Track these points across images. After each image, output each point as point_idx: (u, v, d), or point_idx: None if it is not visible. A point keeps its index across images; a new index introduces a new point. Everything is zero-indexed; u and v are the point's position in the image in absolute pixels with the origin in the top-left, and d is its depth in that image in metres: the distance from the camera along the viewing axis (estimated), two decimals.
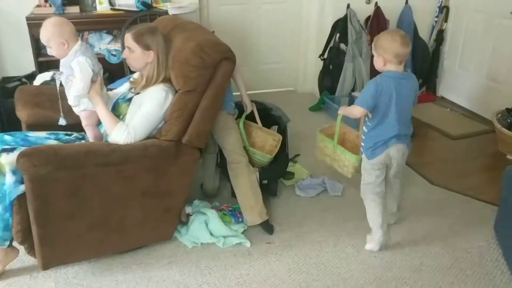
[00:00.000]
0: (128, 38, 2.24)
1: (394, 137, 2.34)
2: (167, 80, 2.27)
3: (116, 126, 2.17)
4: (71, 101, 2.25)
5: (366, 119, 2.40)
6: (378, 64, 2.31)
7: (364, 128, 2.43)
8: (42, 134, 2.39)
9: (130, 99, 2.36)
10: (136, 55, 2.24)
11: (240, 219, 2.61)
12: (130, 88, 2.43)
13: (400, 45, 2.22)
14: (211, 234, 2.51)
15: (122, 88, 2.54)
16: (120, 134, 2.15)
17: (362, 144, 2.43)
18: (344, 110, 2.47)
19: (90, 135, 2.37)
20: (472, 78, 4.45)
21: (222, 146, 2.59)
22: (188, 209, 2.63)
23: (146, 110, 2.20)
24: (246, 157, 2.58)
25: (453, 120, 4.29)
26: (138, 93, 2.32)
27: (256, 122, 2.83)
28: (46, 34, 2.17)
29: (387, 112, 2.30)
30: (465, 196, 2.99)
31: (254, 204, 2.55)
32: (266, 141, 2.78)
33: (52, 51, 2.21)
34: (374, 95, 2.25)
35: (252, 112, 2.79)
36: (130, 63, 2.30)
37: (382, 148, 2.35)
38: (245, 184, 2.56)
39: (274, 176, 2.84)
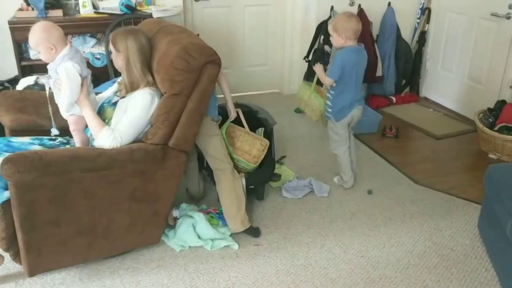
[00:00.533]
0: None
1: (356, 100, 2.89)
2: (151, 84, 2.27)
3: (102, 130, 2.16)
4: (63, 109, 2.24)
5: (329, 88, 2.91)
6: (339, 42, 2.78)
7: (328, 95, 2.94)
8: (26, 139, 2.36)
9: (115, 103, 2.35)
10: (113, 56, 2.31)
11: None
12: (115, 92, 2.42)
13: (356, 23, 2.73)
14: (199, 237, 2.50)
15: (107, 92, 2.53)
16: (106, 138, 2.14)
17: (329, 110, 2.94)
18: (319, 71, 2.93)
19: (77, 140, 2.36)
20: (454, 78, 4.52)
21: (204, 151, 2.56)
22: (175, 213, 2.63)
23: (132, 114, 2.20)
24: (230, 163, 2.57)
25: (436, 120, 4.35)
26: (123, 97, 2.31)
27: (243, 127, 2.83)
28: (35, 38, 2.15)
29: (349, 80, 2.81)
30: (449, 195, 3.04)
31: (236, 212, 2.54)
32: (253, 145, 2.76)
33: (40, 55, 2.20)
34: (341, 67, 2.75)
35: (238, 116, 2.79)
36: (114, 63, 2.37)
37: (348, 111, 2.89)
38: (229, 191, 2.55)
39: (260, 181, 2.85)
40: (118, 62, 2.29)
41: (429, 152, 3.73)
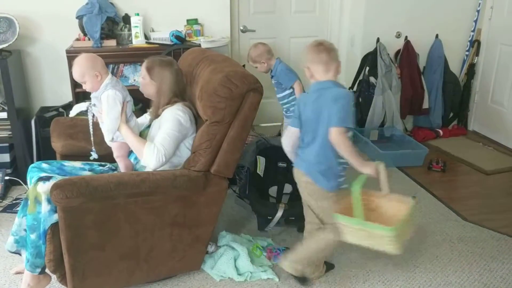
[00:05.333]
0: (143, 66, 2.38)
1: None
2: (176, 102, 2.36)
3: (144, 148, 2.22)
4: (106, 137, 2.33)
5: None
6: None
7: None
8: (77, 164, 2.46)
9: (149, 126, 2.46)
10: (145, 83, 2.38)
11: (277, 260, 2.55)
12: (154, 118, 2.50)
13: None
14: (238, 273, 2.46)
15: (142, 118, 2.65)
16: (150, 154, 2.20)
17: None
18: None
19: (121, 165, 2.44)
20: (505, 112, 4.37)
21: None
22: (210, 249, 2.61)
23: (166, 127, 2.26)
24: (330, 233, 2.19)
25: (486, 154, 4.20)
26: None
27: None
28: (80, 69, 2.26)
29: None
30: (501, 233, 2.90)
31: (299, 259, 2.31)
32: (396, 213, 2.06)
33: (86, 85, 2.30)
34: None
35: None
36: (141, 89, 2.43)
37: None
38: (312, 244, 2.32)
39: (300, 213, 2.81)
40: (149, 89, 2.38)
41: (478, 188, 3.59)
